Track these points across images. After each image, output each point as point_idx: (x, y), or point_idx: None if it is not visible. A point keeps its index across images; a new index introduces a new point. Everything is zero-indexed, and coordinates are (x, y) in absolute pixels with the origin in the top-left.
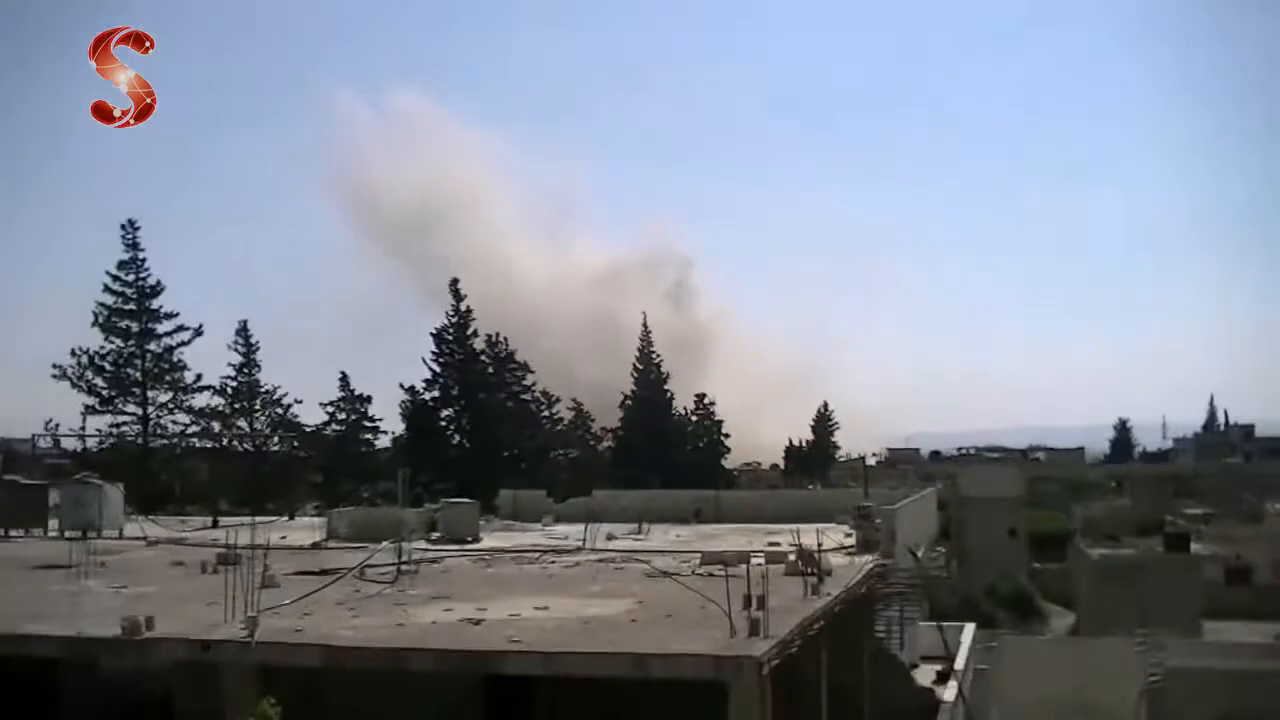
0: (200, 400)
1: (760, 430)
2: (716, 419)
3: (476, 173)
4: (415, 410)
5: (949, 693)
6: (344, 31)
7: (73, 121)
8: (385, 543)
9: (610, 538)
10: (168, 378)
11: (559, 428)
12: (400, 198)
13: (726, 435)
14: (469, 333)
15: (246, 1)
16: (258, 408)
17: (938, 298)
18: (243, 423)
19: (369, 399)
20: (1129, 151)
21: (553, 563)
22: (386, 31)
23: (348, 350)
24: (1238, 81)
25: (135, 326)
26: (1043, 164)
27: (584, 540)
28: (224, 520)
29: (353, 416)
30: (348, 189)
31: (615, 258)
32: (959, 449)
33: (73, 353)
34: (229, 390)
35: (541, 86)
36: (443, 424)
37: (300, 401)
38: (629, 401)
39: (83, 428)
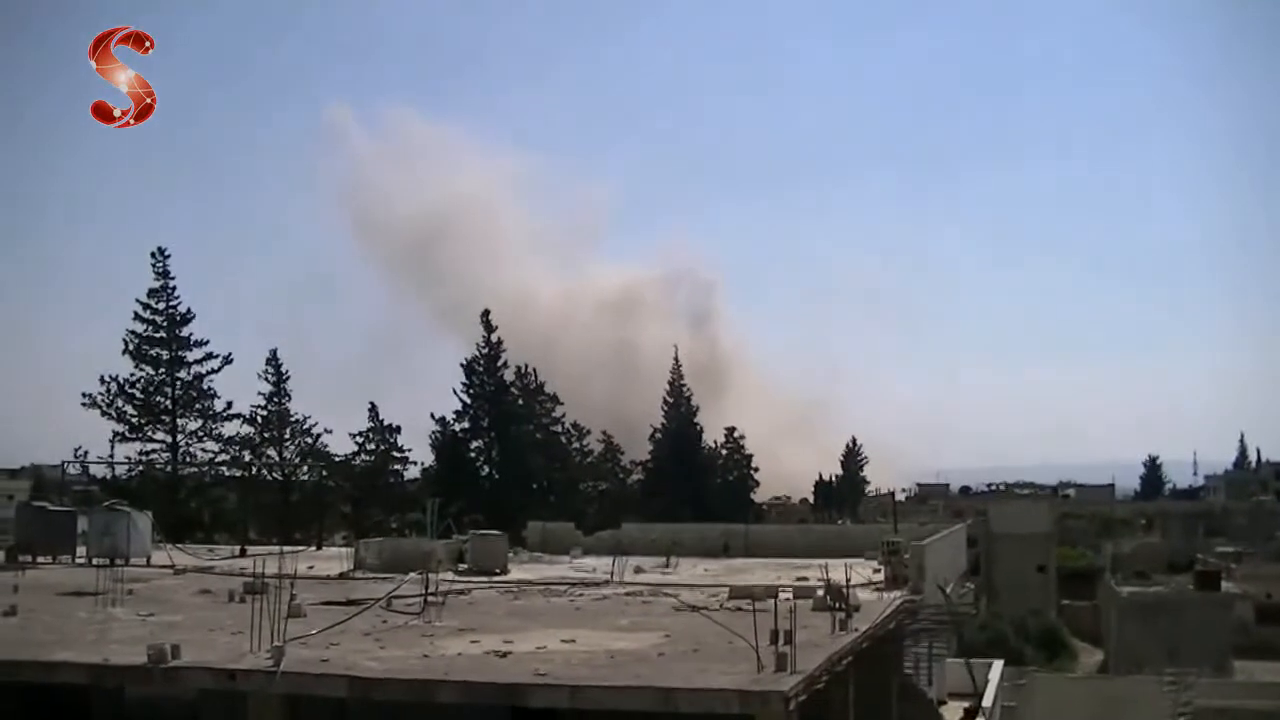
0: (230, 428)
1: (780, 460)
2: (746, 453)
3: (495, 194)
4: (445, 441)
5: None
6: (355, 54)
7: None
8: (412, 574)
9: (638, 571)
10: (197, 405)
11: (589, 460)
12: (414, 220)
13: (756, 469)
14: (500, 364)
15: (260, 20)
16: (287, 436)
17: (965, 332)
18: (272, 451)
19: (398, 429)
20: (1161, 185)
21: (580, 595)
22: (405, 55)
23: (359, 373)
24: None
25: (165, 354)
26: (1071, 196)
27: (612, 573)
28: (252, 549)
29: (382, 447)
30: (357, 212)
31: (636, 279)
32: (989, 484)
33: (102, 380)
34: (259, 419)
35: (567, 108)
36: (472, 455)
37: (330, 431)
38: (658, 434)
39: (112, 455)
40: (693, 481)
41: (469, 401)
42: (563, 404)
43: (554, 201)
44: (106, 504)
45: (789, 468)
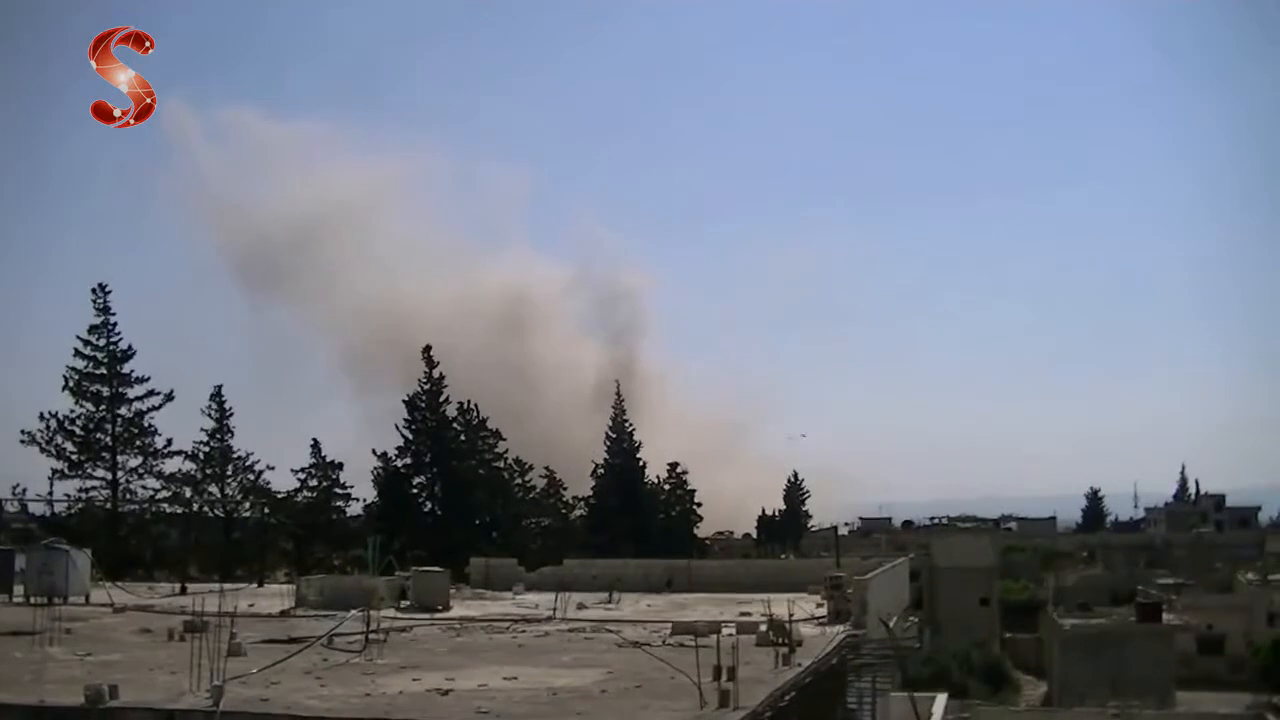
0: (171, 465)
1: (708, 483)
2: (689, 488)
3: (380, 196)
4: (388, 477)
5: None
6: (238, 56)
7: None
8: (354, 611)
9: (581, 607)
10: (138, 442)
11: (532, 495)
12: (287, 225)
13: (699, 504)
14: (441, 400)
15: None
16: (229, 473)
17: (908, 364)
18: (214, 488)
19: (340, 465)
20: (1108, 221)
21: (523, 632)
22: (291, 54)
23: (237, 387)
24: (1219, 157)
25: (106, 391)
26: (1020, 232)
27: (555, 609)
28: (193, 587)
29: (324, 483)
30: (226, 218)
31: (543, 283)
32: (932, 518)
33: (41, 417)
34: (200, 455)
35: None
36: (415, 491)
37: (273, 468)
38: (601, 470)
39: (51, 492)
40: (636, 517)
41: (411, 438)
42: (505, 439)
43: (453, 204)
44: (45, 542)
45: (717, 489)
